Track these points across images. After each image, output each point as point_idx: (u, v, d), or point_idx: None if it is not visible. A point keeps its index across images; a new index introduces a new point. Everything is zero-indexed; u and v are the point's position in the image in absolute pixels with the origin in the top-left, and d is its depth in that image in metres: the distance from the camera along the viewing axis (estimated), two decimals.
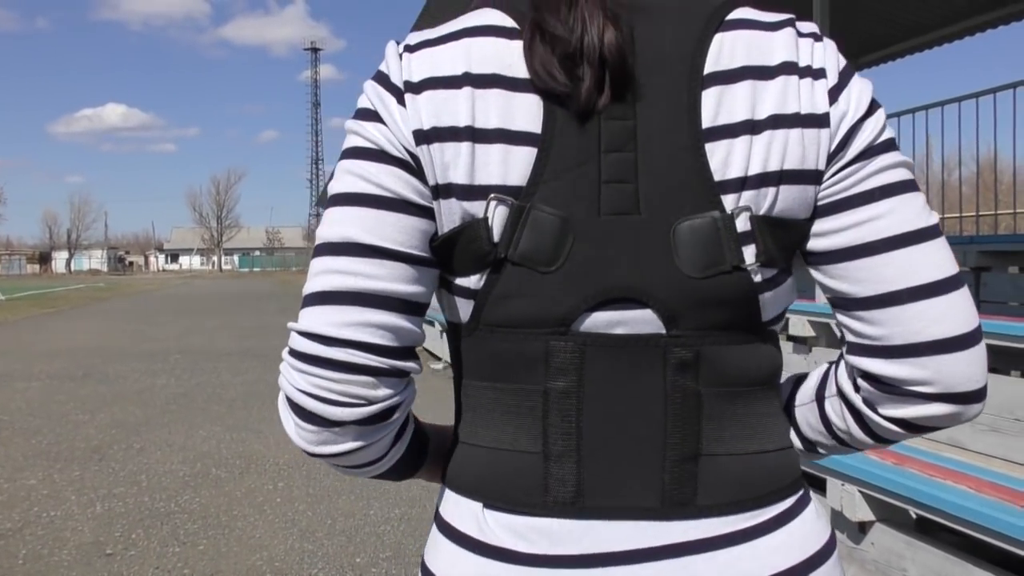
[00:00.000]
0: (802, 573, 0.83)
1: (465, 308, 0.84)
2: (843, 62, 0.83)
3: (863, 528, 3.49)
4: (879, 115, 0.82)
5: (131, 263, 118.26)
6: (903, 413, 0.83)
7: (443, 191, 0.81)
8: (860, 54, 9.06)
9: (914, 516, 3.17)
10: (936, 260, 0.80)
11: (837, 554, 0.88)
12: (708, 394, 0.82)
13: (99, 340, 15.56)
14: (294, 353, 0.81)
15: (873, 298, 0.80)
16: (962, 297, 0.80)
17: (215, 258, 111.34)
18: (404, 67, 0.82)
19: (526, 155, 0.79)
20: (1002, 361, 4.24)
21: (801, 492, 0.88)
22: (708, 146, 0.79)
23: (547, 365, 0.81)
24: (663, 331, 0.80)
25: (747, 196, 0.79)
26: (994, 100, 7.28)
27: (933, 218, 0.82)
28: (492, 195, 0.79)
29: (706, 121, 0.79)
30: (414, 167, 0.81)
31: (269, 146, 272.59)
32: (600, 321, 0.80)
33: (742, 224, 0.79)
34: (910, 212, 0.80)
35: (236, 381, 10.21)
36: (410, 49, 0.83)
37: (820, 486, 3.69)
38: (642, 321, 0.80)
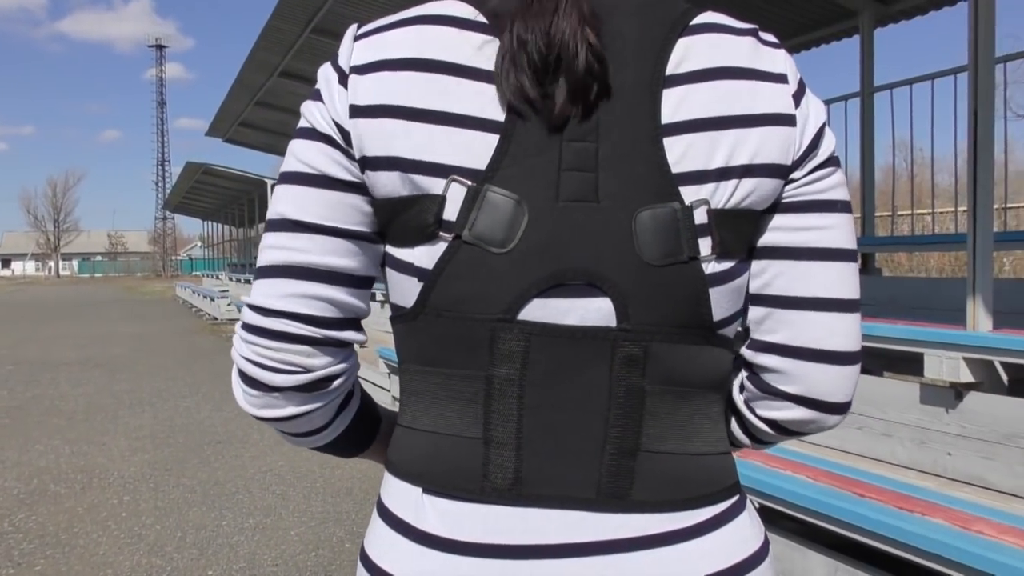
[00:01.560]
0: None
1: (412, 288, 0.84)
2: (799, 73, 0.87)
3: None
4: (831, 132, 0.89)
5: None
6: (773, 414, 0.91)
7: (383, 163, 0.82)
8: None
9: (757, 505, 3.32)
10: (850, 281, 0.88)
11: (769, 562, 0.90)
12: (653, 391, 0.83)
13: None
14: (242, 324, 0.86)
15: (790, 298, 0.87)
16: (856, 321, 0.88)
17: (52, 263, 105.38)
18: (355, 51, 0.85)
19: (486, 140, 0.80)
20: None
21: (736, 498, 0.89)
22: (667, 140, 0.80)
23: (492, 351, 0.82)
24: (613, 324, 0.81)
25: (706, 189, 0.81)
26: (827, 112, 7.72)
27: (855, 245, 0.89)
28: (452, 175, 0.80)
29: (666, 117, 0.81)
30: (339, 142, 0.83)
31: (111, 146, 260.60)
32: (550, 308, 0.81)
33: (700, 216, 0.81)
34: (846, 232, 0.88)
35: (76, 392, 9.70)
36: (365, 35, 0.86)
37: None
38: (594, 311, 0.81)
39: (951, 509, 2.78)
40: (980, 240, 3.82)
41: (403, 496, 0.87)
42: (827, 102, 7.64)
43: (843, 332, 0.87)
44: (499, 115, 0.80)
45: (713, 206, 0.81)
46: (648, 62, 0.82)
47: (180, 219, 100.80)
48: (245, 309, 0.86)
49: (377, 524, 0.89)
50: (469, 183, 0.80)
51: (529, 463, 0.83)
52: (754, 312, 0.89)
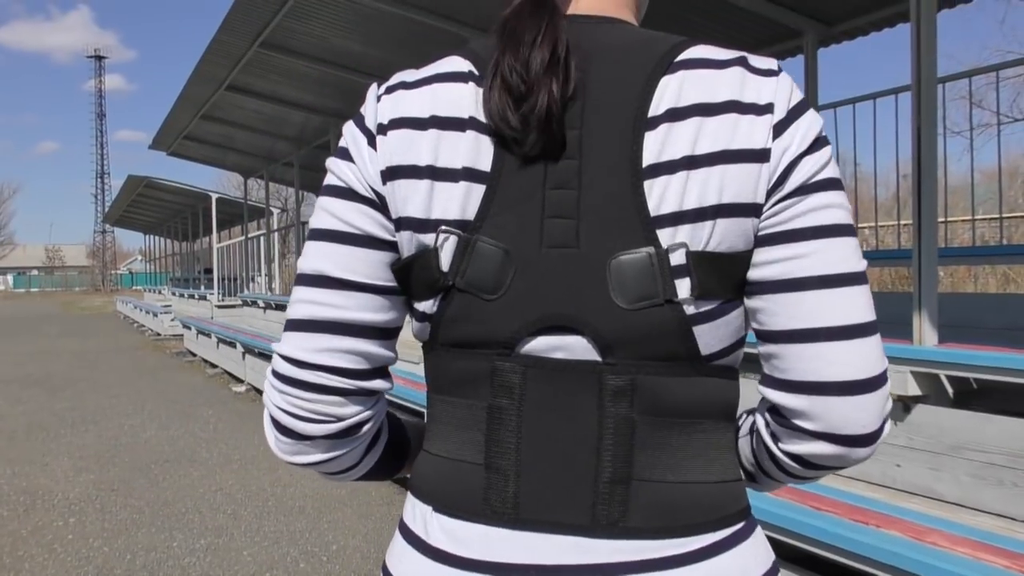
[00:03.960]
0: None
1: (425, 329, 0.91)
2: (797, 97, 0.85)
3: None
4: (823, 153, 0.84)
5: None
6: (796, 449, 0.88)
7: (403, 224, 0.88)
8: None
9: None
10: (848, 306, 0.83)
11: None
12: (643, 422, 0.84)
13: None
14: (275, 373, 0.91)
15: (785, 332, 0.84)
16: (866, 345, 0.83)
17: None
18: (379, 110, 0.90)
19: (476, 191, 0.84)
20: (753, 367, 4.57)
21: (739, 525, 0.88)
22: (647, 183, 0.81)
23: (492, 384, 0.86)
24: (599, 359, 0.83)
25: (684, 231, 0.81)
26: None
27: (860, 264, 0.84)
28: (442, 227, 0.84)
29: (647, 159, 0.81)
30: (379, 204, 0.89)
31: (49, 158, 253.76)
32: (541, 345, 0.84)
33: (677, 259, 0.81)
34: (835, 255, 0.83)
35: (16, 411, 9.46)
36: (388, 91, 0.91)
37: None
38: (580, 348, 0.83)
39: (904, 520, 2.84)
40: (925, 257, 3.92)
41: (417, 513, 0.92)
42: None
43: (846, 360, 0.83)
44: (487, 165, 0.84)
45: (692, 248, 0.82)
46: (631, 104, 0.83)
47: (120, 232, 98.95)
48: (277, 359, 0.90)
49: (396, 537, 0.96)
50: (460, 233, 0.84)
51: (527, 489, 0.85)
52: (761, 348, 0.88)
